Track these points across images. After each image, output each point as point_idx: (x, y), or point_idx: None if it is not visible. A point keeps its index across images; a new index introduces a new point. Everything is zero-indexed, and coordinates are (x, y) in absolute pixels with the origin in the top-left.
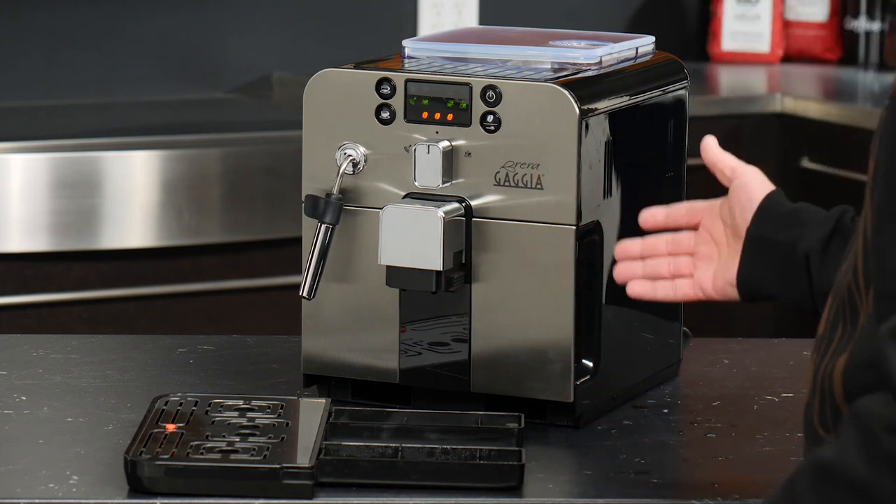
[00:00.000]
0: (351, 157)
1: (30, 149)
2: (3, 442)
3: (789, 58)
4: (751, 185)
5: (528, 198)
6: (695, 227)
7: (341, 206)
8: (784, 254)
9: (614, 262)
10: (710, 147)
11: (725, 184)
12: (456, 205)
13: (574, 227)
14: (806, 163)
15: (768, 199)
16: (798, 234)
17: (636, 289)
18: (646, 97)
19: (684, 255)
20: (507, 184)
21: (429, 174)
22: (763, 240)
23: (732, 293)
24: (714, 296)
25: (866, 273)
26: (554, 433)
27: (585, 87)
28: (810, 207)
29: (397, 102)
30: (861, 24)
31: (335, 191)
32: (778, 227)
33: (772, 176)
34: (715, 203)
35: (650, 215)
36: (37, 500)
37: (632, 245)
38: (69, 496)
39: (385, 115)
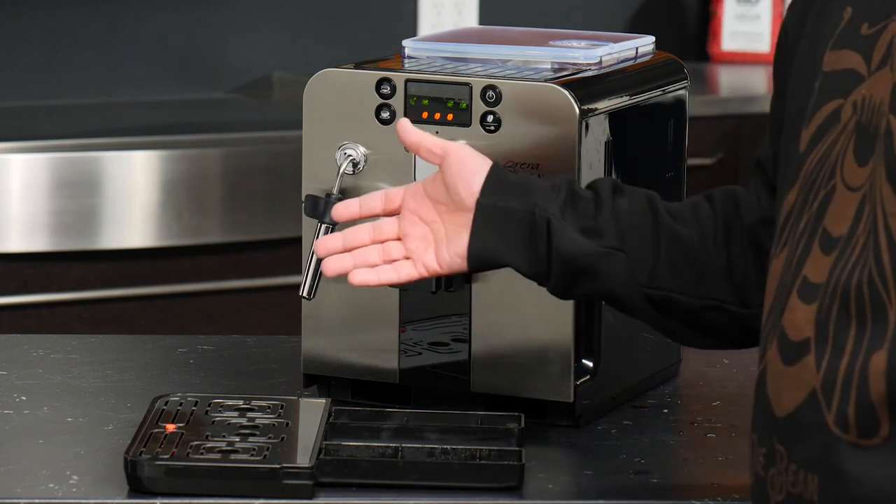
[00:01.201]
0: (351, 157)
1: (30, 149)
2: (3, 442)
3: None
4: (469, 159)
5: None
6: (393, 213)
7: None
8: (519, 220)
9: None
10: (408, 129)
11: (435, 162)
12: None
13: None
14: None
15: (494, 171)
16: (531, 201)
17: (359, 277)
18: (646, 97)
19: (392, 241)
20: None
21: (429, 174)
22: (496, 208)
23: (461, 265)
24: (441, 271)
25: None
26: (554, 433)
27: (585, 87)
28: (533, 177)
29: (397, 102)
30: None
31: (335, 191)
32: (509, 196)
33: None
34: (415, 185)
35: (344, 207)
36: (37, 500)
37: (332, 240)
38: (69, 496)
39: (385, 115)
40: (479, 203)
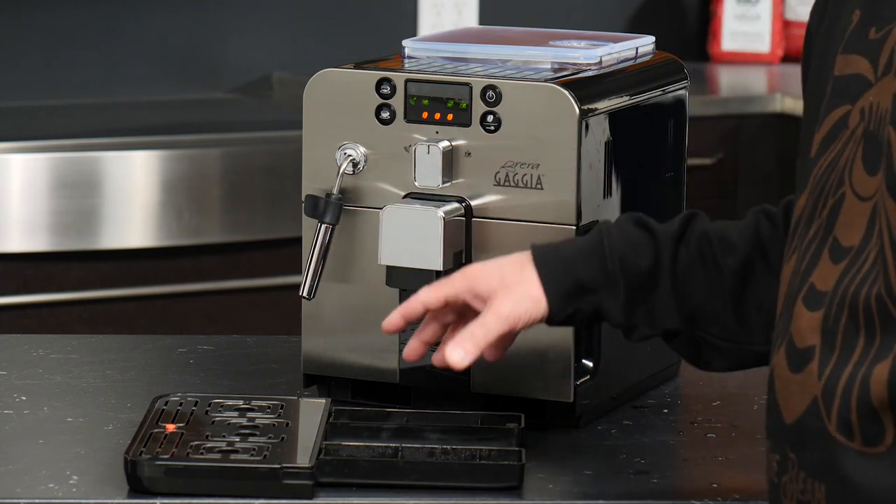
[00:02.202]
0: (351, 157)
1: (30, 149)
2: (3, 442)
3: (789, 58)
4: (521, 307)
5: (528, 198)
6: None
7: (341, 206)
8: (592, 315)
9: None
10: (453, 358)
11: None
12: (456, 205)
13: (574, 227)
14: None
15: (550, 285)
16: (594, 300)
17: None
18: (646, 97)
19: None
20: (507, 184)
21: (429, 174)
22: (568, 318)
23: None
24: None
25: None
26: (554, 433)
27: (585, 87)
28: (582, 268)
29: (397, 102)
30: None
31: (335, 191)
32: (576, 307)
33: (771, 176)
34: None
35: (390, 325)
36: (37, 500)
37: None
38: (69, 496)
39: (385, 115)
40: (549, 322)
